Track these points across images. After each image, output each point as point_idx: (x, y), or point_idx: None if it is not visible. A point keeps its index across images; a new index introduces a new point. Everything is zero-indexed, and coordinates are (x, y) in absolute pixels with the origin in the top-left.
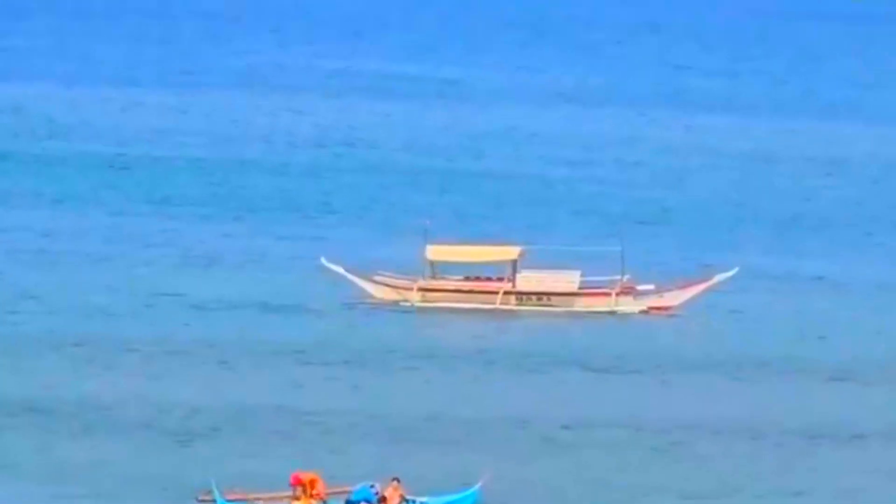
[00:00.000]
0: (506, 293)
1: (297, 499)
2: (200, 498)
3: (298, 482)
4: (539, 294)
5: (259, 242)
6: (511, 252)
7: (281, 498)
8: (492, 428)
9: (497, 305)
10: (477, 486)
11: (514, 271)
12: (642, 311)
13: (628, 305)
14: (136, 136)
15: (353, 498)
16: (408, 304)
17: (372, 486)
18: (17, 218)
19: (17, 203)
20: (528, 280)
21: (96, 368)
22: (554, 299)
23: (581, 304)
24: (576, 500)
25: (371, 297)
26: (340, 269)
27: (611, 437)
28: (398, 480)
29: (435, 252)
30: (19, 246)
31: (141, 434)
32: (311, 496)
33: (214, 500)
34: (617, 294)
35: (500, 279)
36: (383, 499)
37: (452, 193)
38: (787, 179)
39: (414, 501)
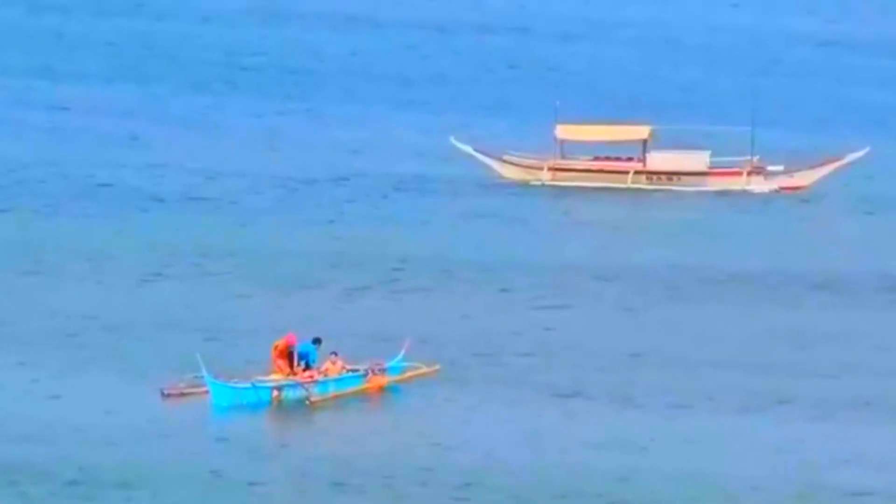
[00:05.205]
0: (636, 172)
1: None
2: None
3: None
4: (669, 174)
5: (387, 123)
6: (641, 131)
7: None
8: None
9: (628, 185)
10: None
11: (645, 151)
12: (773, 191)
13: (759, 185)
14: None
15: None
16: (538, 183)
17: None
18: None
19: None
20: (658, 159)
21: None
22: (684, 179)
23: (711, 184)
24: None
25: (501, 176)
26: (470, 150)
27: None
28: (336, 354)
29: (565, 131)
30: None
31: None
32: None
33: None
34: (748, 174)
35: (630, 159)
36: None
37: (583, 73)
38: None
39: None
